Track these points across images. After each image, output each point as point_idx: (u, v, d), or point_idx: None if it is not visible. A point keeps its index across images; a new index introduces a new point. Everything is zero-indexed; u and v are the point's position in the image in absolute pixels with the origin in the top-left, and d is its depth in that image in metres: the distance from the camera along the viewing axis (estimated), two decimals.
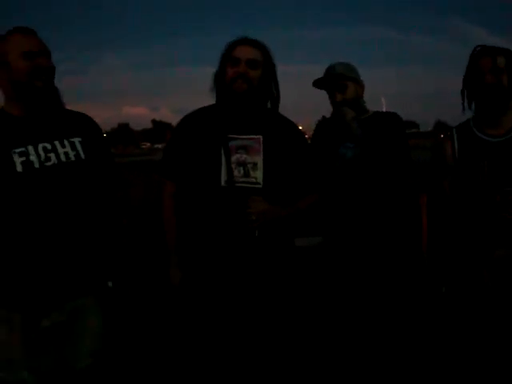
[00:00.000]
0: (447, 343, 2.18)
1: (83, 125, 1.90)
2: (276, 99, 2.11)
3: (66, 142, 1.80)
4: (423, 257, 2.51)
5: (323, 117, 2.50)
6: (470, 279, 1.98)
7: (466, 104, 2.07)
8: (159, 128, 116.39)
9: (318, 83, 2.49)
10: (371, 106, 2.55)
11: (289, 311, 2.07)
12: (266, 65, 2.05)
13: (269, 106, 2.11)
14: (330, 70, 2.46)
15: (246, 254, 1.96)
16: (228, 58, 2.04)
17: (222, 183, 1.97)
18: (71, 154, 1.79)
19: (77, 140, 1.83)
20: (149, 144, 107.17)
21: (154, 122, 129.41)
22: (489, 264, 1.93)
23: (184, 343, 2.16)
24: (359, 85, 2.49)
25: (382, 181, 2.37)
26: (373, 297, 2.38)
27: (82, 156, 1.82)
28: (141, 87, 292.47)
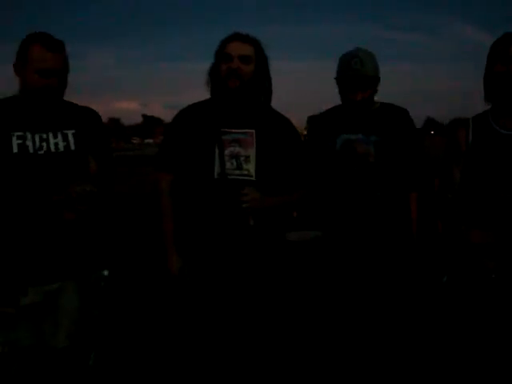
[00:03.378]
0: (447, 338, 2.14)
1: (80, 118, 2.02)
2: (268, 92, 2.15)
3: (59, 134, 1.94)
4: (414, 247, 2.45)
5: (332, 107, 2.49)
6: (474, 269, 1.93)
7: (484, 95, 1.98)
8: (150, 123, 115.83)
9: (341, 80, 2.37)
10: None
11: (280, 298, 2.13)
12: (258, 59, 2.09)
13: (262, 99, 2.14)
14: (358, 70, 2.30)
15: (241, 241, 2.02)
16: (221, 54, 2.08)
17: (215, 176, 2.02)
18: (61, 145, 1.92)
19: (70, 132, 1.95)
20: (139, 139, 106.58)
21: (144, 116, 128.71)
22: (495, 254, 1.86)
23: (181, 332, 2.19)
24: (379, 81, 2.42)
25: (393, 176, 2.35)
26: (370, 292, 2.36)
27: (72, 147, 1.94)
28: (132, 82, 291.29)
